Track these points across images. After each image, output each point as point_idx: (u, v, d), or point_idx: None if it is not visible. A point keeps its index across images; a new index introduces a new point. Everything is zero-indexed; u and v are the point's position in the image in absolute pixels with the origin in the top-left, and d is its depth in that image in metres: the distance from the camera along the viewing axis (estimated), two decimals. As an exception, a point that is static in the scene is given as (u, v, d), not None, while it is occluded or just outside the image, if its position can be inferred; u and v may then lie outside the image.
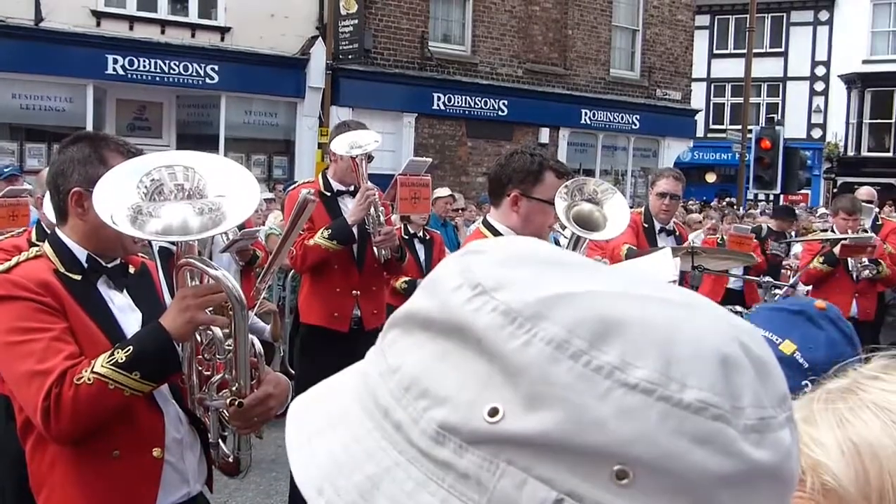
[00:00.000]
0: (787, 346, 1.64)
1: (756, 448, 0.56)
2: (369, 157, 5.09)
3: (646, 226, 6.37)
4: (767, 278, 6.61)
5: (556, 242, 5.95)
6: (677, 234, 6.53)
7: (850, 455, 0.88)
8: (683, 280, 5.76)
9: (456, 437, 0.56)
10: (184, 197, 2.34)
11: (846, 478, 0.88)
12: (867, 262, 7.68)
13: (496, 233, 3.62)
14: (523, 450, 0.55)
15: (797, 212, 19.22)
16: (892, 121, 31.54)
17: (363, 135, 5.09)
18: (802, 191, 25.53)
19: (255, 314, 6.68)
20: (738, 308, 6.19)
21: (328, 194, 5.28)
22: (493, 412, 0.55)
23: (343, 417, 0.62)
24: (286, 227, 4.19)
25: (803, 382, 1.59)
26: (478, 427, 0.55)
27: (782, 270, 10.70)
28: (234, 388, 2.48)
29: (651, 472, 0.54)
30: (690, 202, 20.33)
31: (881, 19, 32.06)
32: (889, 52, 31.91)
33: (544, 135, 21.33)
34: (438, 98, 19.44)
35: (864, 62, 31.80)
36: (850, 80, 32.02)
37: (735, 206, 19.82)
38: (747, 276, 8.93)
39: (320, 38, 17.70)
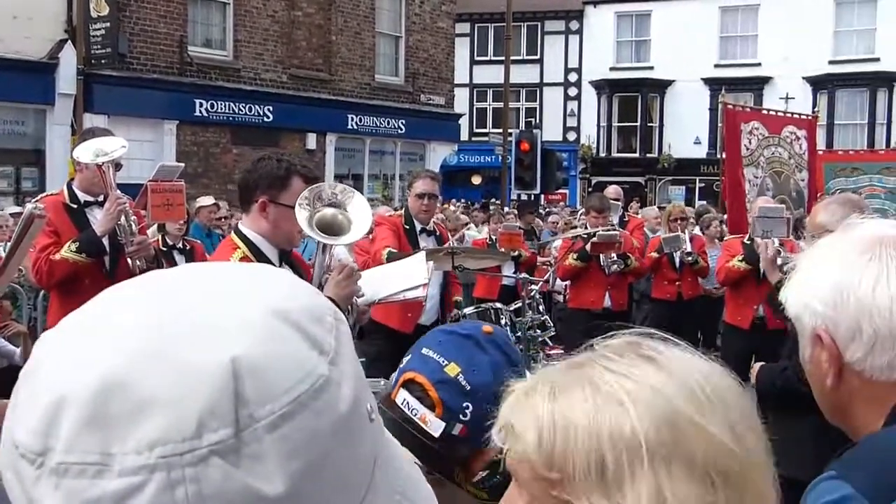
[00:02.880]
0: (452, 369, 1.72)
1: (53, 491, 0.63)
2: (117, 165, 4.90)
3: (407, 227, 6.48)
4: (524, 275, 6.92)
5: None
6: (438, 234, 6.71)
7: (546, 427, 0.95)
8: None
9: None
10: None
11: (532, 445, 0.95)
12: (616, 258, 8.20)
13: (247, 240, 3.64)
14: None
15: (557, 211, 20.31)
16: (637, 124, 33.94)
17: (109, 141, 4.89)
18: (560, 190, 26.96)
19: (3, 337, 6.24)
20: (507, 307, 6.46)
21: (74, 206, 5.03)
22: None
23: None
24: (10, 244, 3.95)
25: (464, 404, 1.69)
26: None
27: (542, 266, 11.26)
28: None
29: None
30: (455, 202, 20.94)
31: (624, 30, 34.43)
32: (632, 60, 34.35)
33: (311, 140, 21.29)
34: (200, 104, 18.93)
35: (612, 69, 34.04)
36: (600, 86, 34.17)
37: (500, 206, 20.63)
38: (508, 275, 9.34)
39: (70, 42, 16.75)
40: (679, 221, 9.61)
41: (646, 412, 0.92)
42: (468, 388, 1.69)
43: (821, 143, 18.84)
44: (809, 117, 11.93)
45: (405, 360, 1.83)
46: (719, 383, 0.98)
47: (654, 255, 9.32)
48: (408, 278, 4.20)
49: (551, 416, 0.95)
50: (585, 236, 8.11)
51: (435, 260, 5.88)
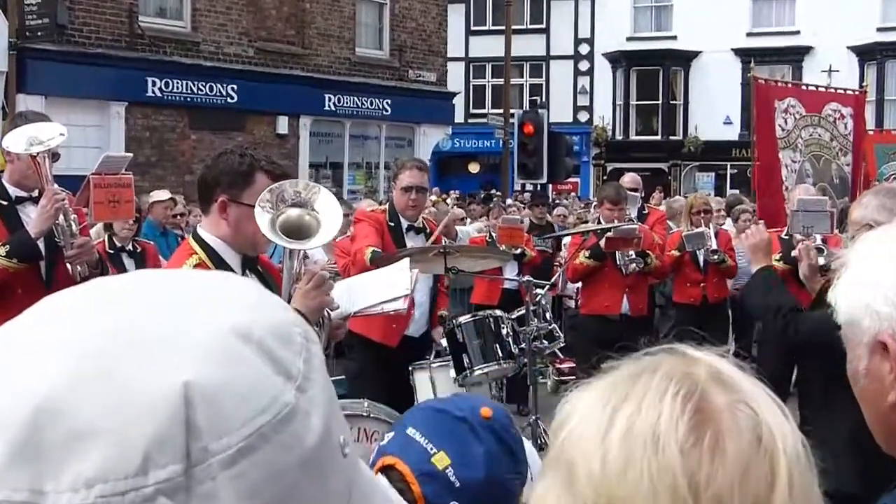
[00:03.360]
0: (441, 460, 1.67)
1: None
2: (54, 155, 4.87)
3: (391, 224, 6.49)
4: (527, 278, 6.91)
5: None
6: (428, 231, 6.71)
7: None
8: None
9: None
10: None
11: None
12: (634, 255, 8.21)
13: (205, 245, 3.68)
14: None
15: (565, 202, 20.34)
16: (659, 102, 34.01)
17: (44, 127, 4.86)
18: (571, 179, 27.03)
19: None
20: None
21: (5, 203, 5.01)
22: None
23: None
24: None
25: (451, 502, 1.64)
26: None
27: (557, 267, 11.26)
28: None
29: None
30: (445, 194, 20.95)
31: (643, -7, 34.54)
32: (652, 29, 34.42)
33: (283, 124, 21.29)
34: (153, 83, 18.90)
35: (629, 39, 34.10)
36: (615, 59, 34.23)
37: (501, 198, 20.65)
38: (510, 278, 9.34)
39: (0, 12, 16.72)
40: (702, 214, 9.60)
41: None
42: (457, 484, 1.65)
43: (869, 122, 18.86)
44: (856, 92, 11.97)
45: (386, 437, 1.77)
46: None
47: (675, 253, 9.32)
48: (387, 288, 4.24)
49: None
50: (599, 232, 8.11)
51: (424, 262, 5.89)
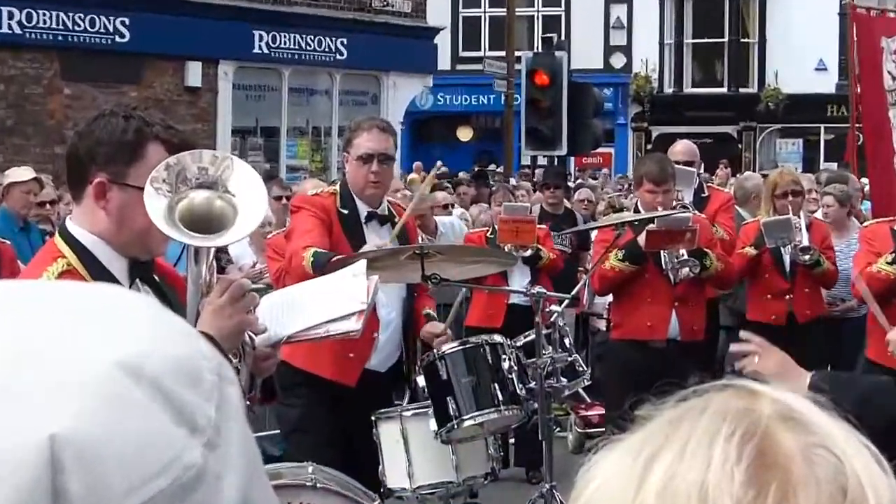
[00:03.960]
0: None
1: None
2: None
3: (344, 212, 6.45)
4: (538, 289, 6.87)
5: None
6: (396, 219, 6.67)
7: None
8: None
9: None
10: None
11: None
12: (686, 256, 8.17)
13: (76, 245, 3.63)
14: None
15: (592, 182, 20.36)
16: (725, 40, 34.09)
17: None
18: (601, 149, 27.08)
19: None
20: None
21: None
22: None
23: None
24: None
25: None
26: None
27: (578, 272, 11.26)
28: None
29: None
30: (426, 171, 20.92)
31: None
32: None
33: (194, 72, 21.31)
34: (10, 14, 18.93)
35: (682, -48, 34.25)
36: (663, -20, 34.41)
37: (503, 177, 20.64)
38: (517, 289, 9.32)
39: None
40: (790, 198, 9.58)
41: None
42: None
43: None
44: None
45: None
46: None
47: (750, 251, 9.30)
48: (335, 302, 4.18)
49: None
50: (637, 223, 8.09)
51: (394, 267, 5.85)
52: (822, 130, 33.33)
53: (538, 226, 10.32)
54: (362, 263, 4.68)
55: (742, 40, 34.06)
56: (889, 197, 9.46)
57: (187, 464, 0.69)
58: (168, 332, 0.76)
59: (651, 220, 7.96)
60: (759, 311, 9.61)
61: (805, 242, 9.32)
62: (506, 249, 9.26)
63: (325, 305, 4.20)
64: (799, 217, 9.47)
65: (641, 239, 8.05)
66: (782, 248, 9.37)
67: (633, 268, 8.25)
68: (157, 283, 3.83)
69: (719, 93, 34.31)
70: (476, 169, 24.63)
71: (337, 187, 6.74)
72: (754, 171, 21.39)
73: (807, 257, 9.27)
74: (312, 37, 23.28)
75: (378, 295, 4.82)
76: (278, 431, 6.83)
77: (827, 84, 32.82)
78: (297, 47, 23.14)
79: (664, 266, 8.27)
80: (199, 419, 0.71)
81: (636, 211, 8.58)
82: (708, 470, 0.94)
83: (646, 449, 0.98)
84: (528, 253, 9.66)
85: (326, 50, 23.61)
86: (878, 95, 10.27)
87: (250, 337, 3.72)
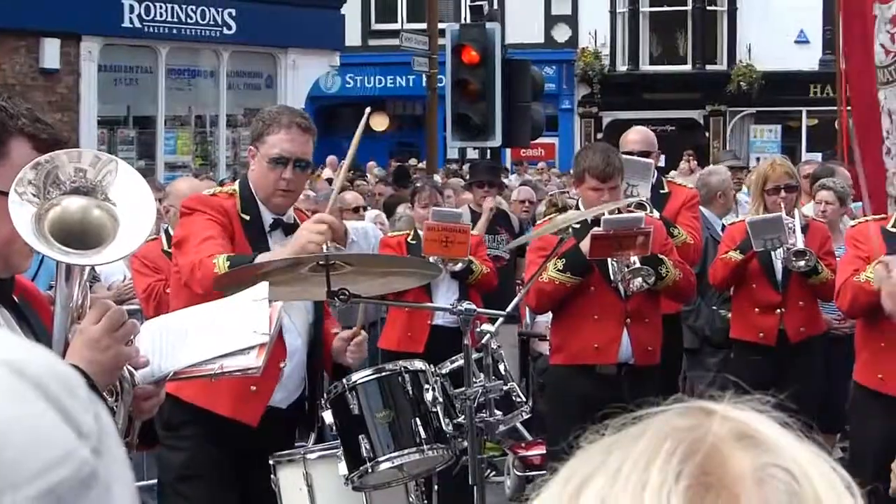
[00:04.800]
0: None
1: None
2: None
3: (246, 218, 6.45)
4: (467, 305, 6.87)
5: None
6: (303, 228, 6.69)
7: None
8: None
9: None
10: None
11: None
12: (638, 264, 8.17)
13: None
14: None
15: (531, 178, 20.44)
16: (688, 8, 34.24)
17: None
18: (542, 139, 27.14)
19: None
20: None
21: None
22: None
23: None
24: None
25: None
26: None
27: (516, 285, 11.33)
28: None
29: None
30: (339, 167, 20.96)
31: None
32: None
33: (50, 52, 21.09)
34: None
35: None
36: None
37: (425, 174, 20.68)
38: (442, 307, 9.34)
39: None
40: (783, 193, 9.60)
41: None
42: None
43: None
44: None
45: None
46: None
47: (735, 256, 9.40)
48: (232, 332, 4.16)
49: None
50: (578, 226, 8.11)
51: (295, 282, 5.86)
52: (804, 114, 33.62)
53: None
54: (264, 286, 4.62)
55: (709, 8, 34.19)
56: (882, 192, 9.54)
57: (83, 459, 0.74)
58: (38, 348, 0.81)
59: (596, 222, 8.05)
60: (745, 327, 9.67)
61: (800, 245, 9.28)
62: (431, 260, 9.24)
63: (219, 336, 4.15)
64: (793, 216, 9.44)
65: (585, 245, 8.12)
66: (772, 253, 9.35)
67: (576, 280, 8.32)
68: (18, 305, 3.75)
69: (682, 71, 34.47)
70: (394, 164, 24.58)
71: (236, 187, 6.69)
72: (720, 163, 21.52)
73: (802, 263, 9.23)
74: (194, 7, 23.16)
75: (283, 320, 4.79)
76: (156, 481, 6.76)
77: (809, 60, 33.05)
78: (175, 20, 22.99)
79: (612, 277, 8.32)
80: (82, 425, 0.76)
81: (577, 209, 8.63)
82: (643, 493, 0.96)
83: (576, 476, 1.01)
84: (459, 267, 9.70)
85: (211, 23, 23.51)
86: (868, 71, 10.26)
87: (130, 372, 3.68)
